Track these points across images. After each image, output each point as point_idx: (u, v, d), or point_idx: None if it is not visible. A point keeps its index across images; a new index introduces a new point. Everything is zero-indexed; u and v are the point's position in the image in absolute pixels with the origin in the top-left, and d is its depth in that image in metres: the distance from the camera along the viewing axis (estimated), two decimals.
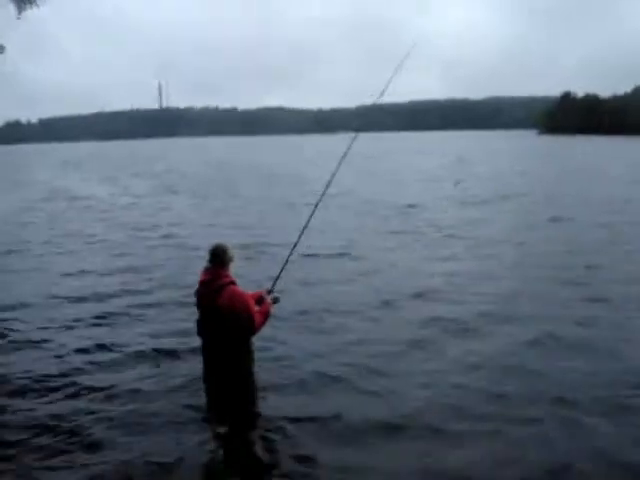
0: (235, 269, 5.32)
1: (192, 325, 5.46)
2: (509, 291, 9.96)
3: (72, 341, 7.92)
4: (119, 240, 15.88)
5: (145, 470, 4.91)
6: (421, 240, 14.87)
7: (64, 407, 6.03)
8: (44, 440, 5.38)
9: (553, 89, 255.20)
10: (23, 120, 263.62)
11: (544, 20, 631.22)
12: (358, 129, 7.89)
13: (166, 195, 27.70)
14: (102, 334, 8.22)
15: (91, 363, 7.19)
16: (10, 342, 8.01)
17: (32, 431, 5.52)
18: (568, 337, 7.71)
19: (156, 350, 7.47)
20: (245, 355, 5.24)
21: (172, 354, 7.35)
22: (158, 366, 7.05)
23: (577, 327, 8.13)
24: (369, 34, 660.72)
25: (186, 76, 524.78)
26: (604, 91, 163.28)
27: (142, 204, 24.49)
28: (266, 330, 5.49)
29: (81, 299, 10.06)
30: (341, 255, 13.20)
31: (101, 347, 7.67)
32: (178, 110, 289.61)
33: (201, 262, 5.41)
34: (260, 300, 5.45)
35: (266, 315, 5.30)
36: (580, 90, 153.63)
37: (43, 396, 6.30)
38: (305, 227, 6.28)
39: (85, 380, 6.65)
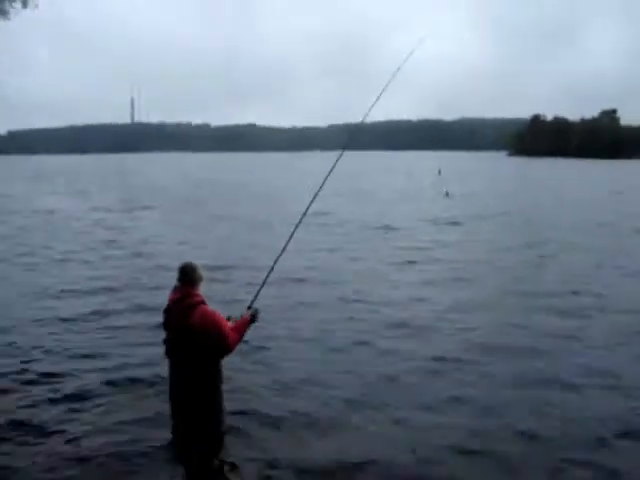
0: (203, 290, 5.18)
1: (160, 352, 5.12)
2: (493, 322, 9.53)
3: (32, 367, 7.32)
4: (85, 257, 15.24)
5: None
6: (395, 264, 14.38)
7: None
8: None
9: (524, 112, 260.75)
10: None
11: (516, 44, 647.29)
12: (345, 147, 7.52)
13: (137, 211, 27.01)
14: (61, 360, 7.62)
15: (54, 391, 6.63)
16: None
17: None
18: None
19: (129, 379, 6.95)
20: (213, 376, 5.10)
21: (141, 382, 6.84)
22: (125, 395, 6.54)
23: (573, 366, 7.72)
24: (341, 53, 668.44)
25: (158, 91, 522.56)
26: (572, 115, 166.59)
27: (111, 219, 23.81)
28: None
29: (39, 321, 9.37)
30: (311, 279, 12.48)
31: (62, 375, 7.10)
32: (150, 125, 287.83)
33: (171, 281, 5.21)
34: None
35: (241, 332, 5.17)
36: (549, 113, 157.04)
37: None
38: (284, 249, 6.02)
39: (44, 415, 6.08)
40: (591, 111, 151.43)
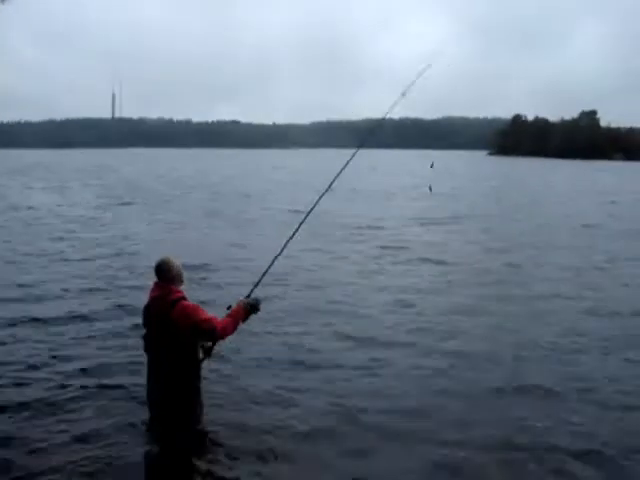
0: (183, 288, 5.19)
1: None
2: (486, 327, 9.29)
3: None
4: (65, 256, 14.82)
5: None
6: (384, 266, 14.11)
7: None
8: None
9: (504, 111, 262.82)
10: None
11: (497, 44, 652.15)
12: (360, 145, 7.59)
13: (117, 207, 26.61)
14: (39, 360, 7.34)
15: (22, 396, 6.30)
16: None
17: None
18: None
19: (102, 386, 6.64)
20: (192, 371, 5.11)
21: (120, 388, 6.57)
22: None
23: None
24: (324, 51, 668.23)
25: (140, 87, 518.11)
26: (553, 115, 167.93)
27: (91, 216, 23.37)
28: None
29: (12, 324, 8.93)
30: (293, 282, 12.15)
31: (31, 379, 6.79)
32: (132, 120, 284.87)
33: (150, 280, 5.22)
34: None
35: (235, 318, 5.10)
36: (530, 114, 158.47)
37: None
38: (284, 247, 6.09)
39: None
40: (571, 112, 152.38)
